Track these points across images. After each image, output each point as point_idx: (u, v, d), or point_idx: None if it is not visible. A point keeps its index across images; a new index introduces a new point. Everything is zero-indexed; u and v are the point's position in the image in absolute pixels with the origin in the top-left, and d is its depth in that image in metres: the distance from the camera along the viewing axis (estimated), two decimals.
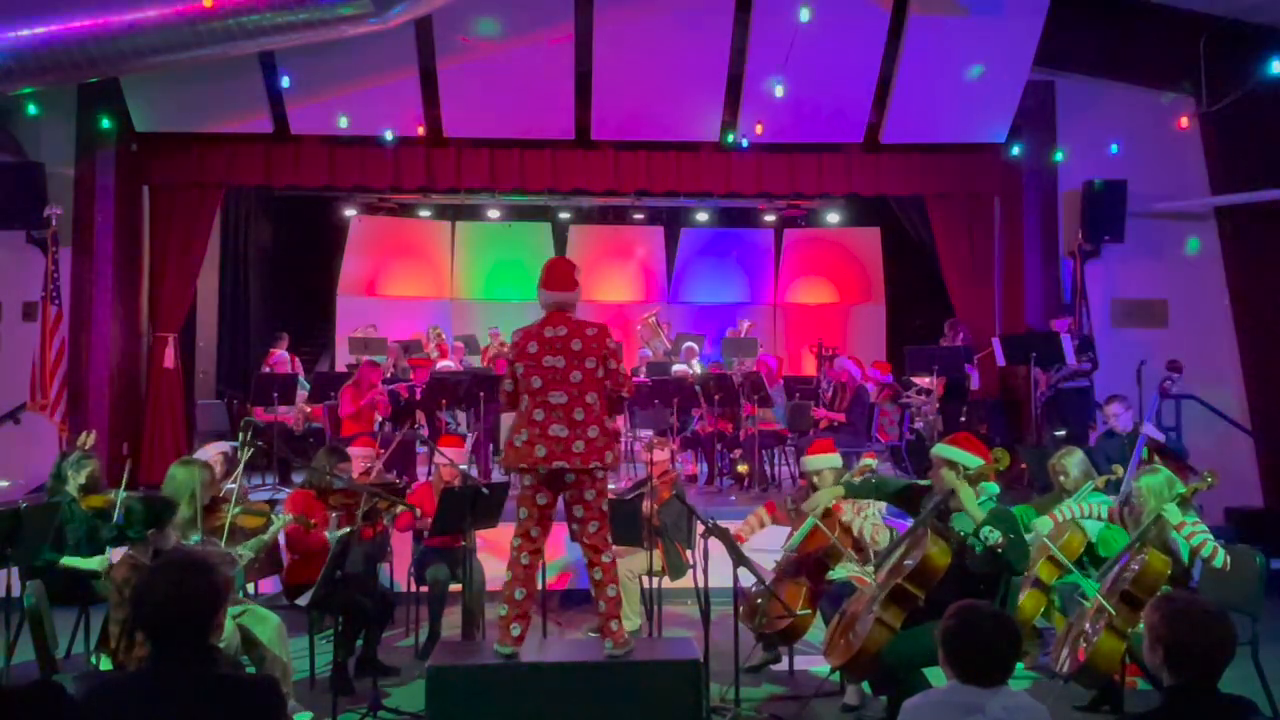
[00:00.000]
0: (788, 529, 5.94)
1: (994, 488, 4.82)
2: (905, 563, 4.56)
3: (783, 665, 5.89)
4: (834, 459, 5.87)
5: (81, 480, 6.11)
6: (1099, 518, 5.30)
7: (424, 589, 6.30)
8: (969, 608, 2.83)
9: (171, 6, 7.37)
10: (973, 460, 4.70)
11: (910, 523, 4.87)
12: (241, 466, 6.07)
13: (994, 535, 4.44)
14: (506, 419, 8.31)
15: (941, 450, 4.80)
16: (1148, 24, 9.26)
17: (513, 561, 4.61)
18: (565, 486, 4.53)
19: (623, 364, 4.68)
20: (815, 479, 5.80)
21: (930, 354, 9.49)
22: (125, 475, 5.96)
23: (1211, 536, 4.76)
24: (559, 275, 4.67)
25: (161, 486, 5.33)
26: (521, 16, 8.75)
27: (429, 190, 11.27)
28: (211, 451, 6.53)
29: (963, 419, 9.09)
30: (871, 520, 5.73)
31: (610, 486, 8.84)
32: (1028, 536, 5.71)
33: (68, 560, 5.65)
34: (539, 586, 4.69)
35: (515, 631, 4.56)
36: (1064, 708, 4.99)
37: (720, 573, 4.97)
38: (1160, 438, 6.91)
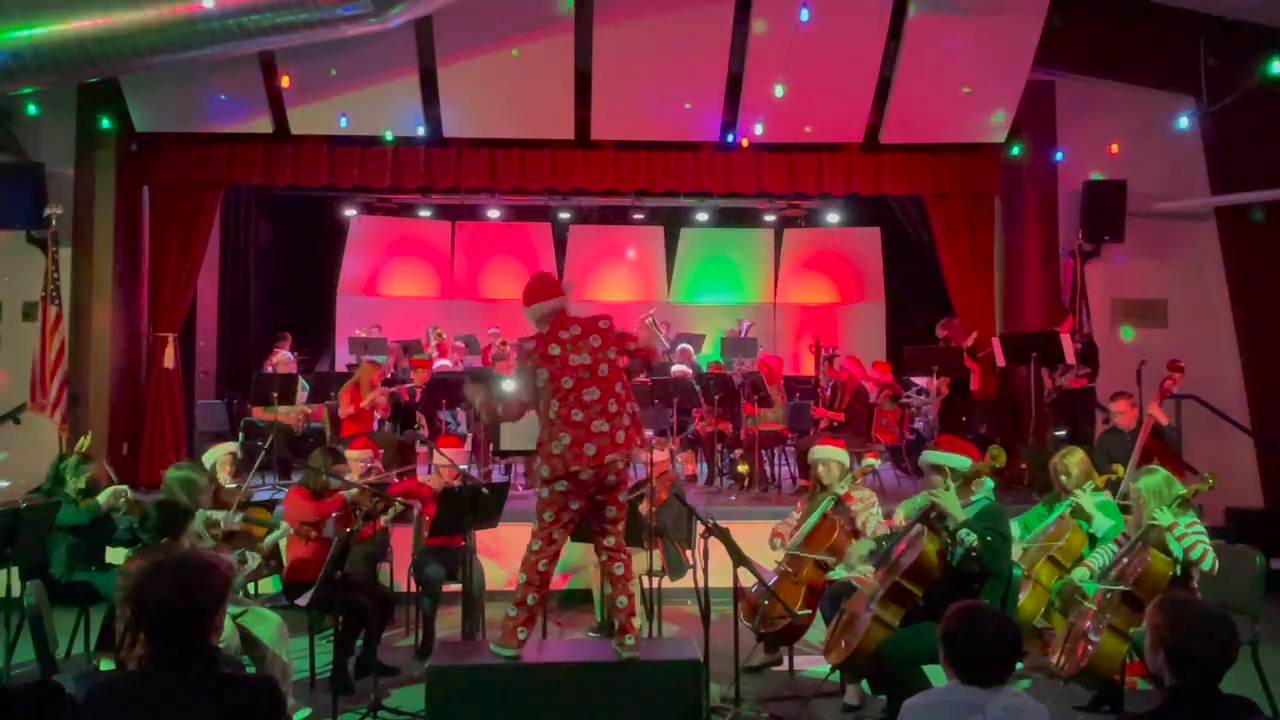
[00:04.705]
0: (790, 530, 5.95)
1: (988, 483, 4.83)
2: (903, 561, 4.58)
3: (783, 665, 5.89)
4: (841, 453, 5.89)
5: (81, 484, 6.13)
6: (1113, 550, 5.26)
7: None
8: (969, 608, 2.83)
9: (171, 6, 7.37)
10: (960, 462, 4.73)
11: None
12: (254, 471, 6.12)
13: (970, 538, 4.46)
14: (507, 425, 8.30)
15: (929, 457, 4.85)
16: (1148, 24, 9.25)
17: (529, 565, 4.56)
18: (604, 488, 4.50)
19: (635, 339, 4.75)
20: (821, 468, 5.83)
21: (930, 354, 9.48)
22: (111, 469, 6.03)
23: (1205, 539, 4.75)
24: (549, 284, 4.76)
25: (160, 492, 5.35)
26: (521, 16, 8.75)
27: (429, 190, 11.27)
28: (221, 453, 6.54)
29: (964, 419, 9.09)
30: (876, 518, 5.76)
31: None
32: (1025, 539, 5.74)
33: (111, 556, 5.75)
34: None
35: (522, 635, 4.55)
36: (1064, 708, 4.99)
37: (720, 573, 4.97)
38: (1164, 420, 6.91)
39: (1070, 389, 8.59)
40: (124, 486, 5.99)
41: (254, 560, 5.31)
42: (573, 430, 4.41)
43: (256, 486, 8.54)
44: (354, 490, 5.87)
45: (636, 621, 4.62)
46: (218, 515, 5.56)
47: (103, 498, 5.92)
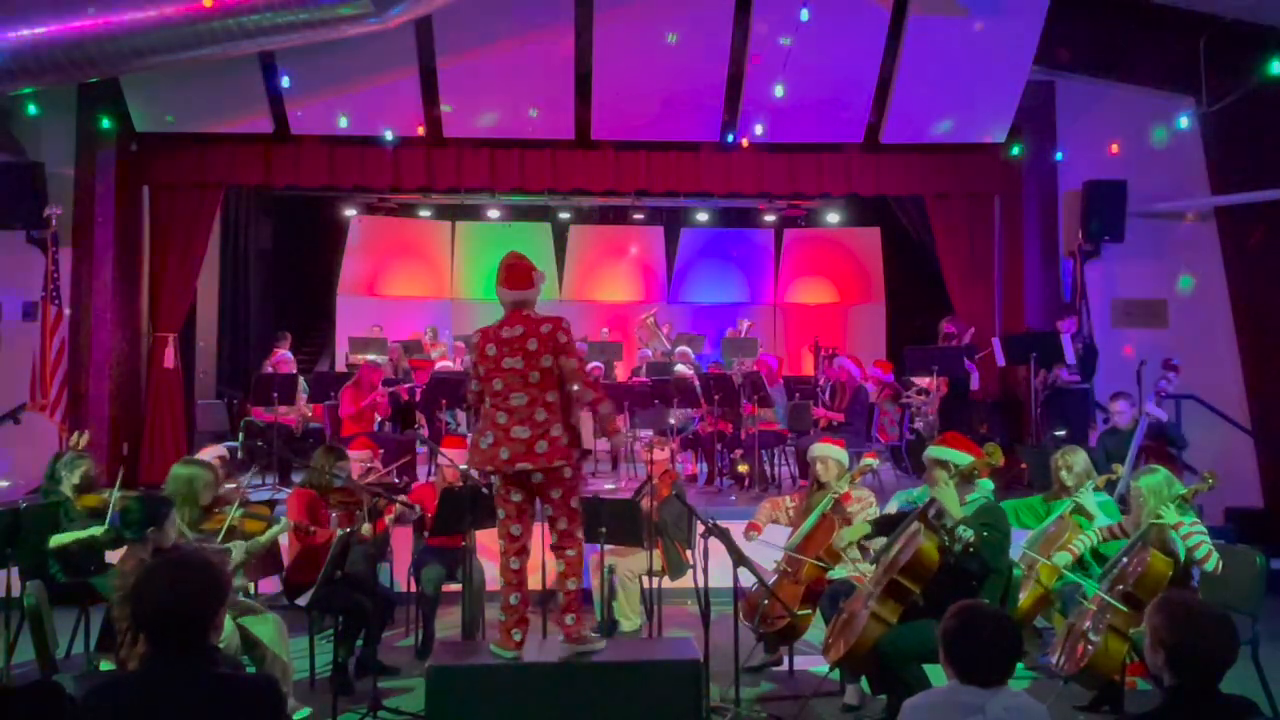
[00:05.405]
0: (788, 529, 5.95)
1: (988, 484, 4.83)
2: (900, 558, 4.58)
3: (783, 665, 5.89)
4: (839, 450, 5.89)
5: (75, 480, 6.12)
6: (1104, 539, 5.28)
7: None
8: (969, 608, 2.83)
9: (171, 6, 7.37)
10: (962, 458, 4.74)
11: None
12: (251, 473, 6.06)
13: (967, 533, 4.47)
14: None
15: (933, 452, 4.85)
16: (1148, 24, 9.25)
17: (503, 568, 4.60)
18: (533, 485, 4.51)
19: (576, 358, 4.53)
20: (820, 465, 5.83)
21: (930, 354, 9.49)
22: (120, 475, 5.99)
23: (1208, 539, 4.76)
24: (517, 274, 4.59)
25: (164, 486, 5.34)
26: (521, 16, 8.75)
27: (429, 190, 11.28)
28: (212, 454, 6.52)
29: (964, 419, 9.09)
30: (873, 516, 5.76)
31: (609, 487, 8.89)
32: (1026, 538, 5.74)
33: (60, 538, 5.64)
34: (532, 587, 4.66)
35: (517, 636, 4.56)
36: (1064, 708, 4.99)
37: (720, 573, 4.97)
38: (1164, 417, 6.90)
39: (1064, 387, 8.59)
40: (93, 531, 5.79)
41: (238, 550, 5.26)
42: (496, 431, 4.44)
43: (256, 486, 8.57)
44: (347, 531, 5.66)
45: (569, 620, 4.55)
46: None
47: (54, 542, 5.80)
